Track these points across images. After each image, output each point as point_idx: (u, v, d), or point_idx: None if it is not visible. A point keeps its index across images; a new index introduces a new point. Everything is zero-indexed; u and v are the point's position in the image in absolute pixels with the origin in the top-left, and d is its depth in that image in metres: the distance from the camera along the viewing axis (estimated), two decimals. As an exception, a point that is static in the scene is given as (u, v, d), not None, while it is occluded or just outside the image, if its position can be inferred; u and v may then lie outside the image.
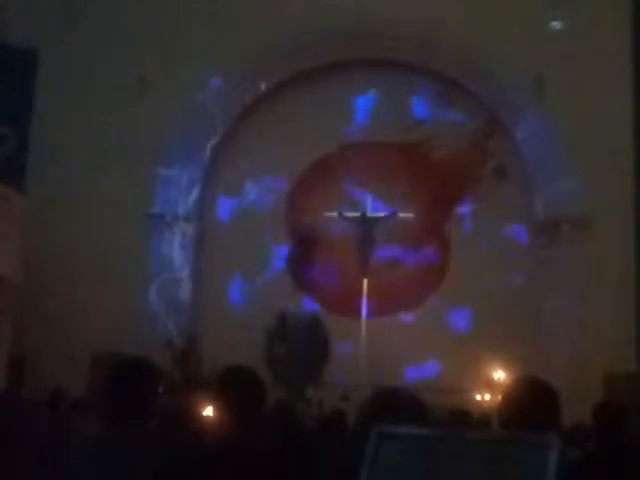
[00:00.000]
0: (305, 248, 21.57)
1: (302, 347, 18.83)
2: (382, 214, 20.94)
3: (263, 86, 21.52)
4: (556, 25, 18.73)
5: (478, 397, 18.62)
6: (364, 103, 21.38)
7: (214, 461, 3.45)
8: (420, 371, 18.53)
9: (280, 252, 21.57)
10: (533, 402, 3.23)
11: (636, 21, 19.27)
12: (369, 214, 20.96)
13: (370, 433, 2.38)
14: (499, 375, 18.90)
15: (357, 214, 20.99)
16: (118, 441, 3.53)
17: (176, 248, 21.23)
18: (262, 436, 3.65)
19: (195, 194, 21.58)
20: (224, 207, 21.47)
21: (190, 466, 3.48)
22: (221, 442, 3.61)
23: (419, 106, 21.32)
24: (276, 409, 5.31)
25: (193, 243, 21.51)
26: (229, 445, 3.51)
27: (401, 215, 20.93)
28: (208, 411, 5.63)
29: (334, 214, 20.92)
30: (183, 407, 5.02)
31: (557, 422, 3.32)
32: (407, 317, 21.05)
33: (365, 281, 20.65)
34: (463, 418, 6.65)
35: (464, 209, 21.28)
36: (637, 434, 5.83)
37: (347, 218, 21.02)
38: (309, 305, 20.89)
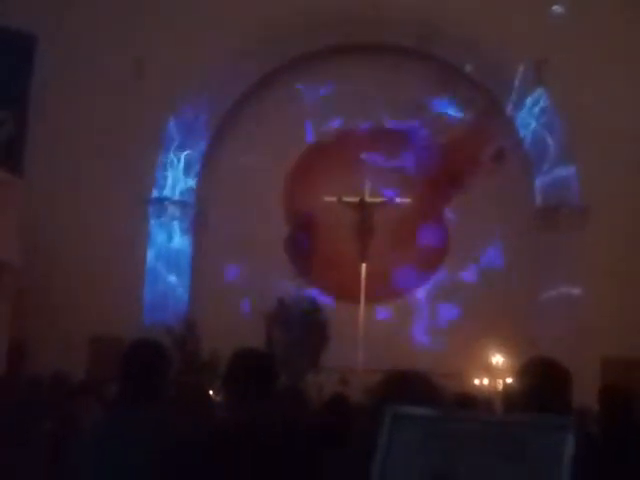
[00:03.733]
0: (304, 233, 21.55)
1: (301, 331, 18.83)
2: (381, 199, 20.87)
3: (262, 71, 21.45)
4: (558, 9, 18.66)
5: (476, 382, 18.64)
6: (365, 88, 21.28)
7: (224, 444, 3.44)
8: (418, 355, 18.48)
9: (279, 237, 21.53)
10: (547, 382, 3.21)
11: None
12: (368, 199, 20.89)
13: (383, 414, 2.36)
14: (497, 359, 18.92)
15: (356, 199, 20.91)
16: (128, 424, 3.50)
17: (174, 232, 21.24)
18: (272, 419, 3.63)
19: (193, 178, 21.56)
20: (222, 192, 21.40)
21: (200, 449, 3.47)
22: (231, 425, 3.59)
23: (420, 91, 21.21)
24: (285, 393, 5.29)
25: (191, 227, 21.53)
26: (239, 428, 3.49)
27: (400, 200, 20.88)
28: (212, 395, 5.63)
29: (333, 199, 20.85)
30: (192, 390, 5.00)
31: (570, 403, 3.31)
32: (405, 301, 21.08)
33: (364, 266, 20.61)
34: (468, 402, 6.64)
35: (463, 193, 21.23)
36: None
37: (346, 203, 20.95)
38: (308, 290, 20.86)
